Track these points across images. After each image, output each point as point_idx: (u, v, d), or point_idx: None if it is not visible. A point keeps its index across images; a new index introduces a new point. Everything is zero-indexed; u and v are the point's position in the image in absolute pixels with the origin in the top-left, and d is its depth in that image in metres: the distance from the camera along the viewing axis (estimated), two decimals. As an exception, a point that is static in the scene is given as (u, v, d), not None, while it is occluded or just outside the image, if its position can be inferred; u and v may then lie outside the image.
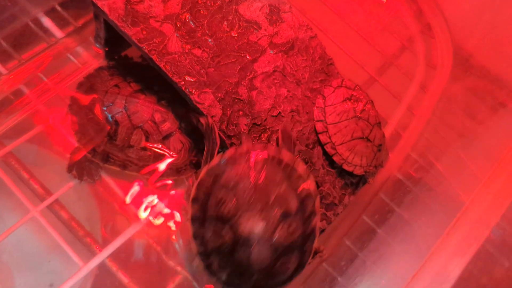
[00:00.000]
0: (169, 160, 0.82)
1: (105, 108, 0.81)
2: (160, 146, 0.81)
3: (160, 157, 0.82)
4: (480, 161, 1.04)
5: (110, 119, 0.81)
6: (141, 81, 0.84)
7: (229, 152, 0.68)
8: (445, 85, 1.15)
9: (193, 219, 0.68)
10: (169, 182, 0.84)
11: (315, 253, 0.72)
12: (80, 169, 0.83)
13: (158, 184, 0.84)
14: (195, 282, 0.80)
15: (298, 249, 0.68)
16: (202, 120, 0.72)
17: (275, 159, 0.69)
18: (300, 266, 0.69)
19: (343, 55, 1.10)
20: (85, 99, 0.84)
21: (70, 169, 0.83)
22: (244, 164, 0.68)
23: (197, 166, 0.84)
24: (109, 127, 0.81)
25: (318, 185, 0.77)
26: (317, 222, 0.70)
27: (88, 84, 0.85)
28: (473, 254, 0.90)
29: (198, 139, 0.82)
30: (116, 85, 0.82)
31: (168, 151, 0.81)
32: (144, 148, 0.81)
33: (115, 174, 0.84)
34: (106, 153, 0.81)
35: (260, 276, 0.67)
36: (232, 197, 0.66)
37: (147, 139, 0.81)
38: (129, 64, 0.89)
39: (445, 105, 1.13)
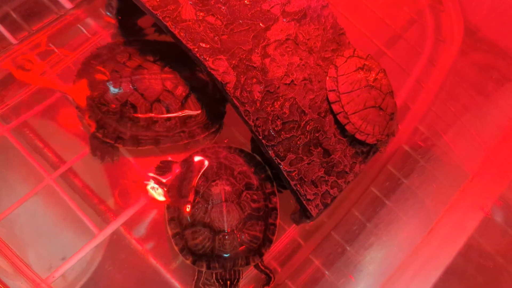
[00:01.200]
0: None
1: (115, 95, 0.80)
2: (182, 111, 0.82)
3: (186, 120, 0.83)
4: (486, 134, 1.05)
5: (126, 104, 0.80)
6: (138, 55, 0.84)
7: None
8: (454, 59, 1.15)
9: (169, 206, 0.79)
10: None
11: (267, 276, 0.81)
12: (104, 151, 0.83)
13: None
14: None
15: (263, 220, 0.79)
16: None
17: (237, 149, 0.84)
18: (267, 239, 0.78)
19: (352, 27, 1.10)
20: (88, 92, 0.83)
21: (94, 152, 0.83)
22: (210, 152, 0.82)
23: (221, 116, 0.86)
24: (124, 111, 0.80)
25: (329, 153, 0.78)
26: (277, 203, 0.81)
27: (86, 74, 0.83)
28: (478, 223, 0.92)
29: (213, 91, 0.83)
30: (114, 70, 0.81)
31: (191, 112, 0.82)
32: (169, 119, 0.81)
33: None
34: (134, 137, 0.81)
35: (233, 239, 0.75)
36: (201, 173, 0.79)
37: (167, 109, 0.81)
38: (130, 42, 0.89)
39: (454, 79, 1.13)
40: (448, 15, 1.19)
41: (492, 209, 0.94)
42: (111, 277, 0.81)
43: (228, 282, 0.77)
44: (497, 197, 0.96)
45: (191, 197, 0.77)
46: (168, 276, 0.80)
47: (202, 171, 0.79)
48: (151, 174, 0.84)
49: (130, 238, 0.81)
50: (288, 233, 0.87)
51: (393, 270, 0.82)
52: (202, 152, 0.82)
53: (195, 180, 0.78)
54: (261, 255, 0.78)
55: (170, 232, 0.77)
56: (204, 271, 0.77)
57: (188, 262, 0.76)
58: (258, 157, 0.83)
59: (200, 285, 0.78)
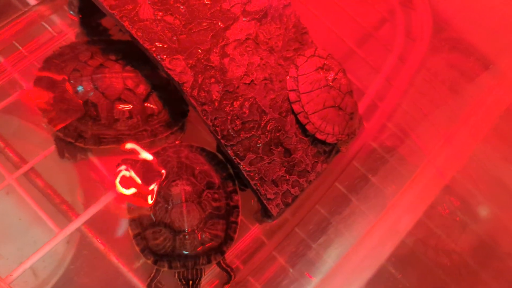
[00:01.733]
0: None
1: (76, 94, 0.80)
2: (144, 105, 0.82)
3: (148, 119, 0.83)
4: (455, 132, 1.06)
5: (87, 103, 0.80)
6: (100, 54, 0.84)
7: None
8: (424, 56, 1.15)
9: (130, 207, 0.79)
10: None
11: (228, 274, 0.82)
12: (72, 151, 0.83)
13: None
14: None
15: (224, 219, 0.79)
16: None
17: (199, 148, 0.84)
18: (229, 238, 0.79)
19: (323, 25, 1.10)
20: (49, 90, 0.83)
21: (61, 154, 0.83)
22: (171, 151, 0.81)
23: (184, 115, 0.86)
24: (85, 110, 0.80)
25: (290, 153, 0.79)
26: (239, 201, 0.81)
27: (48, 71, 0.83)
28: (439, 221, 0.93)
29: (175, 89, 0.82)
30: (75, 69, 0.81)
31: (153, 107, 0.82)
32: (130, 117, 0.81)
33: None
34: (96, 136, 0.81)
35: (194, 238, 0.76)
36: (162, 172, 0.79)
37: (129, 108, 0.81)
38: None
39: (423, 76, 1.13)
40: (418, 13, 1.20)
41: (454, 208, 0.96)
42: (74, 277, 0.81)
43: (191, 282, 0.77)
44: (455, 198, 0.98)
45: (151, 198, 0.77)
46: (129, 275, 0.80)
47: (162, 171, 0.79)
48: (115, 172, 0.84)
49: (91, 237, 0.81)
50: (251, 232, 0.87)
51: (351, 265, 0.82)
52: (163, 151, 0.82)
53: (155, 180, 0.78)
54: (222, 253, 0.78)
55: (131, 233, 0.77)
56: (162, 271, 0.77)
57: (149, 262, 0.77)
58: (220, 156, 0.83)
59: (152, 284, 0.78)
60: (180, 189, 0.76)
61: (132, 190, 0.79)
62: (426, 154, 1.03)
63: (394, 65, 1.13)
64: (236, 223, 0.80)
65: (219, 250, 0.78)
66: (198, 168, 0.80)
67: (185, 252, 0.76)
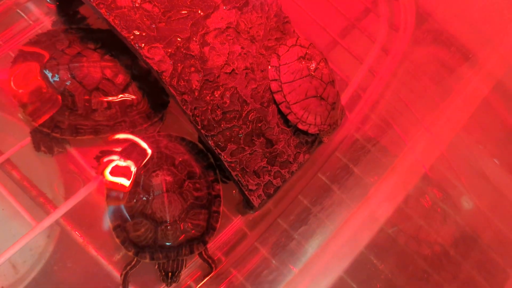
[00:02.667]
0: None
1: (53, 83, 0.78)
2: (123, 95, 0.80)
3: (127, 110, 0.81)
4: (437, 122, 1.07)
5: (63, 93, 0.78)
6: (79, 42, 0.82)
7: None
8: (407, 48, 1.16)
9: (109, 198, 0.78)
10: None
11: (209, 266, 0.81)
12: (48, 144, 0.81)
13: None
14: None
15: (206, 209, 0.78)
16: None
17: (178, 138, 0.83)
18: (211, 227, 0.79)
19: (305, 16, 1.09)
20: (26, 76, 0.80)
21: (37, 147, 0.81)
22: (149, 141, 0.80)
23: (164, 105, 0.84)
24: (61, 99, 0.78)
25: (272, 143, 0.78)
26: (220, 190, 0.81)
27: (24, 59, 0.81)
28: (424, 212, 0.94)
29: (155, 79, 0.81)
30: (52, 58, 0.79)
31: (132, 97, 0.80)
32: (109, 107, 0.79)
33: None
34: (72, 126, 0.79)
35: (176, 229, 0.75)
36: (141, 164, 0.77)
37: (107, 98, 0.79)
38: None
39: (406, 67, 1.14)
40: (402, 4, 1.20)
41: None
42: (54, 271, 0.80)
43: (170, 274, 0.77)
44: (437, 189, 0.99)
45: (131, 189, 0.76)
46: (109, 268, 0.79)
47: (142, 162, 0.78)
48: (93, 164, 0.82)
49: (70, 230, 0.79)
50: (234, 223, 0.87)
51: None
52: (142, 142, 0.80)
53: (135, 171, 0.77)
54: (204, 243, 0.78)
55: (111, 225, 0.76)
56: (141, 261, 0.76)
57: (130, 254, 0.76)
58: (200, 145, 0.82)
59: (130, 273, 0.77)
60: (161, 179, 0.75)
61: (112, 181, 0.78)
62: (407, 143, 1.03)
63: (377, 56, 1.13)
64: (218, 212, 0.80)
65: (201, 240, 0.78)
66: (178, 158, 0.79)
67: (167, 243, 0.75)
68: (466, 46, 1.13)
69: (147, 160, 0.78)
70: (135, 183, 0.76)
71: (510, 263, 0.91)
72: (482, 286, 0.86)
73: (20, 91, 0.79)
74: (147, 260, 0.76)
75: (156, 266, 0.77)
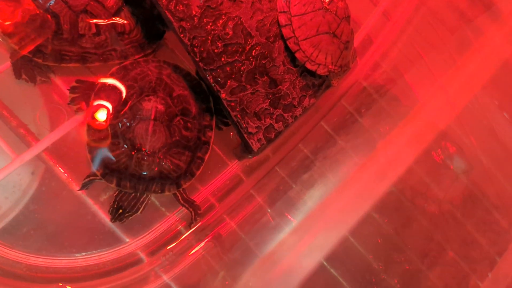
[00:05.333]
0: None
1: (36, 3, 0.69)
2: (113, 20, 0.72)
3: (118, 38, 0.73)
4: (453, 78, 1.00)
5: (46, 12, 0.69)
6: None
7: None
8: (425, -8, 1.07)
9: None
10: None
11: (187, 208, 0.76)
12: (30, 72, 0.73)
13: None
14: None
15: (191, 152, 0.73)
16: None
17: (184, 71, 0.75)
18: (190, 172, 0.73)
19: None
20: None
21: (18, 75, 0.73)
22: (153, 65, 0.73)
23: (159, 36, 0.77)
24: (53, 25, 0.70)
25: (276, 84, 0.71)
26: (211, 138, 0.75)
27: None
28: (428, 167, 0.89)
29: (151, 5, 0.73)
30: None
31: (124, 23, 0.72)
32: (98, 33, 0.71)
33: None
34: (57, 51, 0.71)
35: (153, 161, 0.69)
36: (136, 85, 0.71)
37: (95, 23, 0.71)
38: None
39: (423, 14, 1.05)
40: None
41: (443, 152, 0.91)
42: (37, 210, 0.75)
43: (121, 210, 0.71)
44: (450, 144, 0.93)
45: (118, 107, 0.69)
46: (95, 208, 0.74)
47: (137, 82, 0.71)
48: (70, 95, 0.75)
49: (53, 166, 0.74)
50: (229, 168, 0.81)
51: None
52: (145, 63, 0.73)
53: (128, 91, 0.70)
54: (179, 186, 0.72)
55: (86, 139, 0.70)
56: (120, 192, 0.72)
57: (98, 174, 0.70)
58: (204, 85, 0.75)
59: (86, 186, 0.72)
60: (152, 105, 0.69)
61: (99, 112, 0.71)
62: (419, 98, 0.97)
63: (393, -1, 1.04)
64: (202, 159, 0.74)
65: (176, 182, 0.72)
66: (177, 90, 0.72)
67: (139, 173, 0.70)
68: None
69: (143, 82, 0.71)
70: (124, 102, 0.69)
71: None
72: (484, 248, 0.83)
73: (4, 17, 0.70)
74: (113, 185, 0.70)
75: (115, 194, 0.72)
